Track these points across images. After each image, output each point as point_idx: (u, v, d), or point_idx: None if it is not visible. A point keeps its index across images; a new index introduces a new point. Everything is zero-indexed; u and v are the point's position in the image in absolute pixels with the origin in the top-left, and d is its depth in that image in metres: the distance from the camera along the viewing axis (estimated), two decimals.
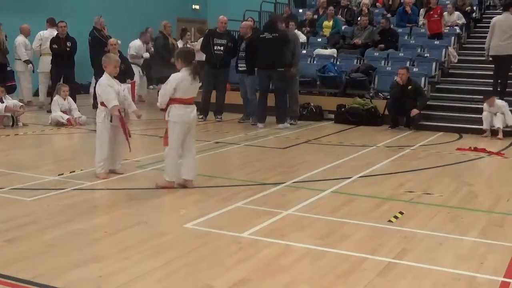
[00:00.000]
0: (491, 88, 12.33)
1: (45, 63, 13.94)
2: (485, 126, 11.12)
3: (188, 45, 15.41)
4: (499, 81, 12.29)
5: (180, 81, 6.39)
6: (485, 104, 11.21)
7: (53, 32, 13.71)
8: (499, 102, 11.17)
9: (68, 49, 13.10)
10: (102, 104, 6.99)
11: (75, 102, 11.93)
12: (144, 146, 9.70)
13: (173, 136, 6.46)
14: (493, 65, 13.92)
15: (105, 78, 7.02)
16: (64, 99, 11.48)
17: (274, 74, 11.69)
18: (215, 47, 12.27)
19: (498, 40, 11.99)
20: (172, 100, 6.45)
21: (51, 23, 14.07)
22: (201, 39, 13.43)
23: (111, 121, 6.97)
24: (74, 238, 4.85)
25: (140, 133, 10.73)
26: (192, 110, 6.57)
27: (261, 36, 11.91)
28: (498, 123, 11.00)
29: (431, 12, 15.10)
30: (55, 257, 4.41)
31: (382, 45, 14.60)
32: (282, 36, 11.80)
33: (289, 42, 11.80)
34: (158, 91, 6.85)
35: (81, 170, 7.39)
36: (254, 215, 5.64)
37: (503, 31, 11.94)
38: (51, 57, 13.46)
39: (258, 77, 12.01)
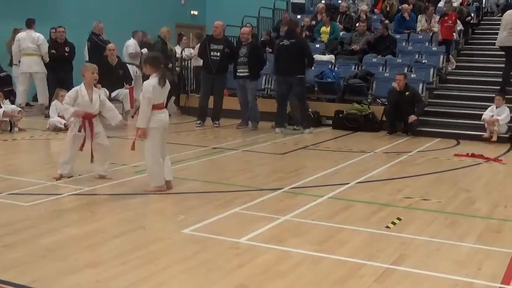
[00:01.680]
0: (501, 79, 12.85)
1: (24, 63, 13.61)
2: (487, 130, 11.20)
3: (187, 51, 15.48)
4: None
5: (153, 89, 6.45)
6: (492, 106, 11.34)
7: (31, 33, 13.46)
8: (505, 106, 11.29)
9: (66, 54, 13.12)
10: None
11: None
12: (141, 152, 9.67)
13: (154, 142, 6.58)
14: (490, 71, 14.13)
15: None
16: (63, 104, 11.45)
17: (294, 81, 11.79)
18: (212, 53, 12.27)
19: (503, 31, 12.61)
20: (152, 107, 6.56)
21: (29, 24, 13.71)
22: (198, 44, 13.44)
23: (79, 131, 7.15)
24: (71, 243, 4.85)
25: (137, 139, 10.69)
26: (166, 114, 6.73)
27: (281, 43, 11.98)
28: (495, 126, 11.05)
29: (446, 18, 15.08)
30: (52, 262, 4.40)
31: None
32: (301, 42, 12.06)
33: (307, 48, 12.06)
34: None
35: (79, 175, 7.38)
36: (252, 220, 5.64)
37: (506, 24, 12.51)
38: (38, 59, 13.38)
39: (277, 83, 12.09)
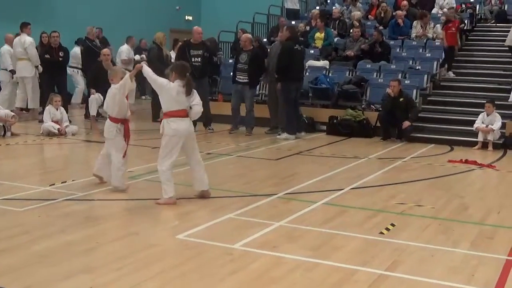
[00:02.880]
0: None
1: (17, 68, 13.56)
2: (479, 138, 11.21)
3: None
4: None
5: (172, 89, 6.34)
6: (483, 113, 11.36)
7: (21, 37, 13.41)
8: (496, 112, 11.32)
9: (60, 59, 13.09)
10: (111, 118, 6.96)
11: (67, 112, 11.90)
12: (136, 157, 9.67)
13: (164, 150, 6.41)
14: (482, 78, 14.24)
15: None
16: (57, 109, 11.46)
17: (300, 86, 11.87)
18: (193, 59, 12.21)
19: None
20: (165, 114, 6.43)
21: (22, 28, 13.59)
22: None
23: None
24: (66, 249, 4.84)
25: (132, 144, 10.70)
26: (186, 123, 6.46)
27: (294, 48, 12.01)
28: (490, 136, 11.09)
29: (450, 25, 15.14)
30: (47, 268, 4.39)
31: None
32: (304, 48, 12.16)
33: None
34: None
35: (73, 180, 7.37)
36: (246, 226, 5.64)
37: None
38: (28, 64, 13.37)
39: (288, 89, 11.79)
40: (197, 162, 6.62)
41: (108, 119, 7.00)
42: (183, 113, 6.43)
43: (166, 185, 6.35)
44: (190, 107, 6.52)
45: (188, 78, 6.44)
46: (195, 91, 6.56)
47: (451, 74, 14.81)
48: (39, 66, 13.36)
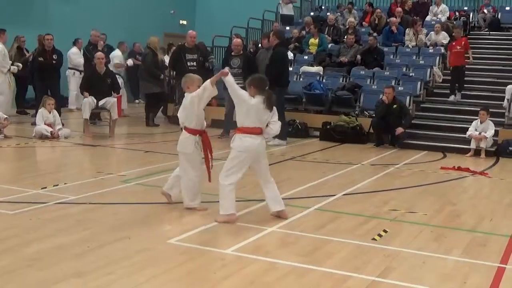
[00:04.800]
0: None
1: None
2: (471, 145, 11.24)
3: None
4: None
5: (254, 105, 5.87)
6: (477, 121, 11.38)
7: None
8: (489, 120, 11.36)
9: (54, 61, 13.05)
10: (188, 130, 6.34)
11: (60, 115, 11.87)
12: (128, 161, 9.67)
13: (232, 164, 5.95)
14: (476, 85, 14.29)
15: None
16: (50, 112, 11.42)
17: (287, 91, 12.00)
18: (189, 63, 12.21)
19: None
20: (239, 130, 5.99)
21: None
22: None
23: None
24: (57, 253, 4.81)
25: (124, 147, 10.69)
26: (260, 140, 5.98)
27: (286, 53, 12.04)
28: (483, 144, 11.13)
29: (454, 43, 14.29)
30: (37, 272, 4.36)
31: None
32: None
33: None
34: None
35: (65, 183, 7.34)
36: (238, 231, 5.63)
37: None
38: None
39: (282, 94, 11.52)
40: (267, 181, 6.11)
41: (184, 132, 6.35)
42: (259, 131, 5.96)
43: (226, 200, 5.87)
44: (267, 124, 6.03)
45: (268, 92, 5.95)
46: (275, 107, 6.09)
47: (452, 98, 13.90)
48: (12, 67, 13.23)
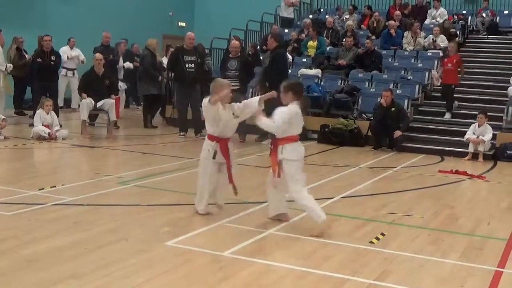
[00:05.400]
0: None
1: None
2: (469, 148, 11.25)
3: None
4: None
5: (299, 113, 5.78)
6: (475, 124, 11.38)
7: None
8: (487, 124, 11.37)
9: (52, 63, 13.04)
10: (210, 136, 6.25)
11: (58, 116, 11.86)
12: (126, 162, 9.65)
13: (296, 176, 5.78)
14: (474, 89, 14.28)
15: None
16: (47, 113, 11.41)
17: None
18: (187, 65, 12.20)
19: None
20: (284, 139, 5.78)
21: None
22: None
23: (213, 158, 6.15)
24: (54, 254, 4.80)
25: (122, 149, 10.68)
26: (302, 147, 5.95)
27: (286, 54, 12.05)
28: (480, 147, 11.14)
29: (445, 60, 13.45)
30: (35, 273, 4.35)
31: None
32: None
33: None
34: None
35: (62, 185, 7.33)
36: (236, 234, 5.63)
37: None
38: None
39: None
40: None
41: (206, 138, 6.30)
42: (298, 138, 5.91)
43: (314, 210, 5.69)
44: None
45: (305, 99, 5.86)
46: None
47: (447, 116, 13.27)
48: (5, 68, 13.22)
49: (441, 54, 15.52)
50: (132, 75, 15.79)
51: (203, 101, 6.21)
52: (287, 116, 5.71)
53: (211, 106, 6.06)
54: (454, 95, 13.54)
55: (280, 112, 5.72)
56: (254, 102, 6.10)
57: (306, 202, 5.73)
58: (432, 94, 14.60)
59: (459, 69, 13.40)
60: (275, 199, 6.10)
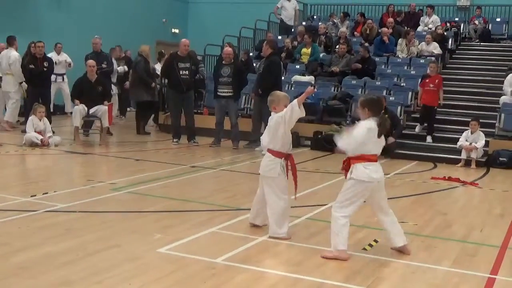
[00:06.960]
0: None
1: (3, 82, 13.67)
2: (462, 155, 11.28)
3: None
4: None
5: (375, 130, 5.30)
6: (467, 131, 11.40)
7: (10, 52, 13.43)
8: (480, 131, 11.40)
9: (45, 69, 13.01)
10: (273, 152, 5.85)
11: (50, 123, 11.82)
12: (119, 169, 9.62)
13: (349, 195, 5.36)
14: (467, 96, 14.33)
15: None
16: (40, 120, 11.37)
17: None
18: (181, 72, 12.20)
19: None
20: (359, 158, 5.32)
21: (9, 42, 13.63)
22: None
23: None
24: (46, 261, 4.77)
25: (115, 156, 10.65)
26: (379, 169, 5.39)
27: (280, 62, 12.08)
28: (473, 154, 11.17)
29: (427, 80, 12.74)
30: (26, 280, 4.33)
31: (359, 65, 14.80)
32: None
33: None
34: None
35: (54, 191, 7.30)
36: (228, 240, 5.61)
37: None
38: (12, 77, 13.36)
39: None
40: (387, 213, 5.48)
41: (268, 154, 5.87)
42: (376, 158, 5.40)
43: (337, 236, 5.24)
44: None
45: (384, 118, 5.38)
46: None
47: (428, 140, 12.60)
48: (24, 82, 13.31)
49: (433, 59, 15.57)
50: (123, 80, 15.83)
51: (274, 117, 5.79)
52: (358, 133, 5.31)
53: (281, 119, 5.72)
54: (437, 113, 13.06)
55: (352, 128, 5.40)
56: (295, 104, 5.68)
57: (337, 224, 5.29)
58: None
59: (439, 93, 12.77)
60: (392, 230, 5.50)
